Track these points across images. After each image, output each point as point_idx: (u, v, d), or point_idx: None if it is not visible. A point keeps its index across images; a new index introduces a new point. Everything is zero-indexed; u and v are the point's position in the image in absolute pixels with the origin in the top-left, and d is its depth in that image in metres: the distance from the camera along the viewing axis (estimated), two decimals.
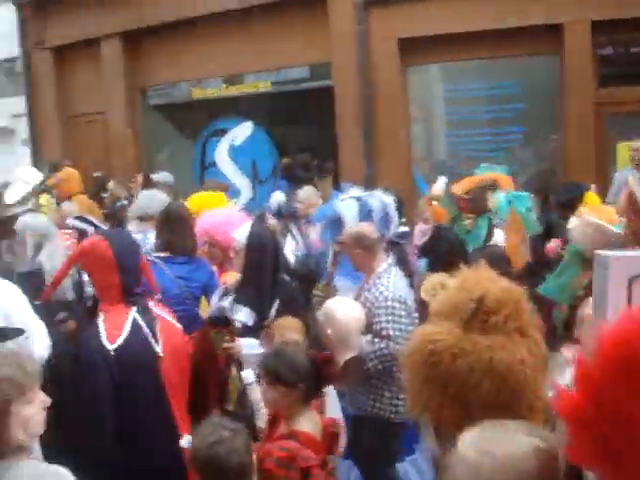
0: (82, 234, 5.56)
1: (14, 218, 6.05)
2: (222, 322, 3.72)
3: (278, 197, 6.27)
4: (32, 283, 4.14)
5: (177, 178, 8.69)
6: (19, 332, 3.03)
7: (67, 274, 3.56)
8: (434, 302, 3.18)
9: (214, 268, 4.73)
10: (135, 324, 3.18)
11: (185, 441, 2.92)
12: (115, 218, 7.45)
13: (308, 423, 2.91)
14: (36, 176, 7.67)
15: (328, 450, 2.94)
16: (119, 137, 10.56)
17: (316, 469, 2.74)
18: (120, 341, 3.11)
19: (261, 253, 3.92)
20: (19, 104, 11.75)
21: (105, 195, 8.80)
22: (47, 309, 3.62)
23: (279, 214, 5.96)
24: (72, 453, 2.49)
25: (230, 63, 9.82)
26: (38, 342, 3.27)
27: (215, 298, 4.15)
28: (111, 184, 8.65)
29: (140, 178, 8.26)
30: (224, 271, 4.71)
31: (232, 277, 4.24)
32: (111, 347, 3.08)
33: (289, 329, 3.55)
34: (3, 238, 4.41)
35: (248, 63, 9.77)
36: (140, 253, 3.44)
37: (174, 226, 4.49)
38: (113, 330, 3.13)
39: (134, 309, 3.22)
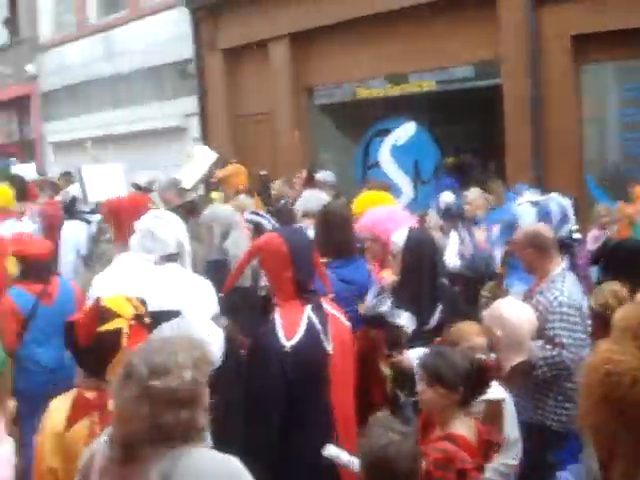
0: (257, 227, 5.79)
1: (194, 202, 6.39)
2: (378, 322, 3.70)
3: (447, 197, 6.18)
4: (218, 272, 4.34)
5: (339, 177, 8.77)
6: (175, 314, 3.11)
7: (245, 268, 3.65)
8: (617, 316, 3.02)
9: (374, 265, 4.72)
10: (310, 322, 3.19)
11: (329, 451, 2.91)
12: (280, 216, 7.63)
13: (463, 427, 2.83)
14: (211, 156, 8.01)
15: (484, 457, 2.84)
16: (285, 136, 10.82)
17: (474, 472, 2.67)
18: (296, 339, 3.12)
19: (419, 257, 3.86)
20: (191, 104, 12.31)
21: (270, 193, 9.03)
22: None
23: (447, 214, 5.89)
24: (234, 447, 2.52)
25: (394, 63, 9.82)
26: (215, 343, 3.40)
27: (370, 296, 4.13)
28: (277, 183, 8.85)
29: (304, 175, 8.40)
30: (384, 268, 4.69)
31: (389, 275, 4.19)
32: (288, 344, 3.11)
33: (472, 334, 3.44)
34: (187, 221, 4.62)
35: (412, 62, 9.72)
36: (313, 250, 3.44)
37: (331, 227, 4.51)
38: (289, 327, 3.15)
39: (309, 306, 3.22)
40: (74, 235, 7.77)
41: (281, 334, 3.12)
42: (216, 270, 4.48)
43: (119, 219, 5.09)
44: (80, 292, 5.28)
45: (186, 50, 12.30)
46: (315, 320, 3.20)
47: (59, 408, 2.66)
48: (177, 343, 2.14)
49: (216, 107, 11.92)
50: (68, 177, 11.84)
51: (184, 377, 2.01)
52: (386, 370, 3.96)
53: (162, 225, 3.88)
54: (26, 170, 13.44)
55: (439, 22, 9.07)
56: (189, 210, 5.81)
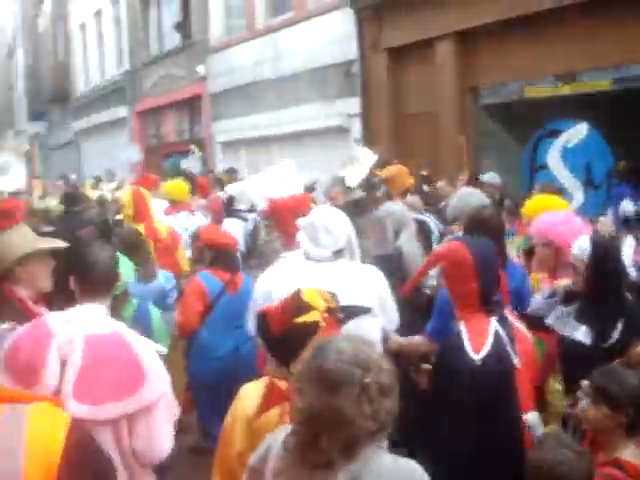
0: (422, 226, 5.75)
1: (360, 200, 6.44)
2: (541, 325, 3.55)
3: (628, 207, 5.84)
4: (387, 265, 4.33)
5: (504, 179, 8.52)
6: (366, 310, 3.09)
7: (425, 274, 3.59)
8: None
9: (545, 274, 4.50)
10: (497, 334, 3.12)
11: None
12: (440, 216, 7.54)
13: (633, 454, 2.64)
14: (372, 158, 8.08)
15: None
16: (448, 136, 10.65)
17: None
18: (485, 352, 3.06)
19: (605, 268, 3.59)
20: (354, 104, 12.39)
21: (431, 193, 8.91)
22: None
23: (625, 224, 5.57)
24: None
25: (565, 61, 9.39)
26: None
27: (539, 298, 3.95)
28: (440, 183, 8.73)
29: (465, 177, 8.24)
30: (555, 278, 4.45)
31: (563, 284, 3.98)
32: (476, 357, 3.05)
33: None
34: (357, 219, 4.66)
35: (584, 60, 9.26)
36: (497, 259, 3.34)
37: (480, 230, 4.34)
38: (476, 340, 3.09)
39: (494, 318, 3.15)
40: (231, 232, 8.09)
41: (469, 347, 3.07)
42: (385, 263, 4.47)
43: (283, 218, 5.20)
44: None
45: (350, 50, 12.41)
46: (502, 333, 3.13)
47: (251, 394, 2.73)
48: (355, 339, 2.13)
49: (379, 107, 11.94)
50: (232, 174, 12.30)
51: (386, 370, 2.02)
52: (556, 385, 3.80)
53: (334, 220, 3.91)
54: (191, 164, 14.06)
55: (613, 18, 8.58)
56: (356, 208, 5.83)
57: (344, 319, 2.83)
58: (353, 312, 2.99)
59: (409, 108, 11.61)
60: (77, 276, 3.03)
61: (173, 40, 19.86)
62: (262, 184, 6.81)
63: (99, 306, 2.98)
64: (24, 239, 3.54)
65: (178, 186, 9.02)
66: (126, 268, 4.37)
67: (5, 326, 3.20)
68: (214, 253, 5.41)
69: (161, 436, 2.83)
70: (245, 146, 16.08)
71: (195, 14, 18.08)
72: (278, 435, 2.21)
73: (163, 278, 5.84)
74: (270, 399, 2.64)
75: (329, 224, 3.85)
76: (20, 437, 1.78)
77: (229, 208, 8.47)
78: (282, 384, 2.66)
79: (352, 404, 1.93)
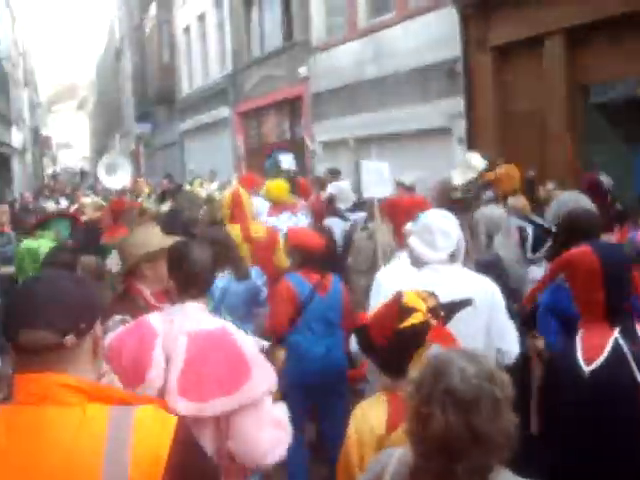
0: (522, 232, 5.57)
1: (466, 201, 6.32)
2: None
3: None
4: (488, 272, 4.22)
5: (615, 181, 8.17)
6: (467, 302, 3.00)
7: (550, 282, 3.46)
8: None
9: None
10: (616, 347, 2.93)
11: None
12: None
13: None
14: (480, 162, 7.95)
15: None
16: (556, 136, 10.33)
17: None
18: (597, 364, 2.91)
19: None
20: (457, 104, 12.17)
21: (537, 195, 8.67)
22: None
23: None
24: None
25: None
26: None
27: None
28: (548, 185, 8.48)
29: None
30: None
31: None
32: (586, 369, 2.91)
33: None
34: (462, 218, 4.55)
35: None
36: (630, 268, 3.16)
37: (572, 235, 4.14)
38: (590, 351, 2.94)
39: (617, 329, 2.97)
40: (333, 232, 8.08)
41: (580, 358, 2.92)
42: (485, 269, 4.35)
43: (397, 219, 5.13)
44: (346, 290, 5.43)
45: (453, 49, 12.19)
46: (624, 346, 2.93)
47: (374, 412, 2.63)
48: (466, 353, 2.04)
49: (484, 107, 11.68)
50: (334, 175, 12.29)
51: (507, 381, 1.96)
52: None
53: (449, 222, 3.85)
54: (286, 160, 14.15)
55: None
56: (460, 209, 5.72)
57: (447, 317, 2.74)
58: (455, 307, 2.90)
59: (515, 107, 11.30)
60: (178, 275, 3.06)
61: (274, 41, 20.08)
62: (371, 176, 6.72)
63: (200, 304, 3.01)
64: (151, 237, 3.65)
65: (278, 186, 9.08)
66: None
67: (118, 318, 3.29)
68: (303, 255, 5.38)
69: (261, 438, 2.78)
70: (345, 147, 16.08)
71: (296, 15, 18.22)
72: (392, 453, 2.13)
73: (254, 274, 5.84)
74: (397, 415, 2.52)
75: (445, 226, 3.78)
76: (126, 441, 1.78)
77: (330, 207, 8.47)
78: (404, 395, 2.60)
79: (488, 421, 1.86)
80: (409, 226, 4.12)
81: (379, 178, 6.63)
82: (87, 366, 1.91)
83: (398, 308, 2.67)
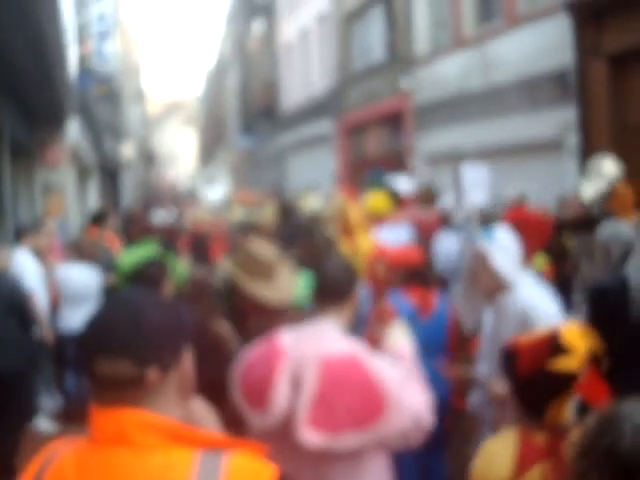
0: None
1: (593, 218, 5.90)
2: None
3: None
4: (606, 300, 3.86)
5: None
6: None
7: None
8: None
9: None
10: None
11: None
12: None
13: None
14: (612, 169, 7.41)
15: None
16: None
17: None
18: None
19: None
20: (569, 115, 11.60)
21: None
22: None
23: None
24: None
25: None
26: None
27: None
28: None
29: None
30: None
31: None
32: None
33: None
34: (586, 237, 4.20)
35: None
36: None
37: None
38: None
39: None
40: (447, 248, 7.71)
41: None
42: (601, 296, 3.97)
43: (524, 234, 4.80)
44: (455, 308, 5.10)
45: (565, 58, 11.64)
46: None
47: (501, 452, 2.36)
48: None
49: (598, 118, 11.07)
50: (431, 192, 11.97)
51: None
52: None
53: (508, 236, 3.57)
54: (399, 181, 13.93)
55: None
56: (586, 224, 5.31)
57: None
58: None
59: (633, 119, 10.67)
60: (312, 286, 2.83)
61: (377, 54, 19.92)
62: (471, 181, 6.41)
63: (334, 322, 2.75)
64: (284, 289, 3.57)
65: (379, 200, 8.87)
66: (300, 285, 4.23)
67: None
68: (403, 272, 5.07)
69: None
70: (449, 160, 15.71)
71: (400, 28, 18.00)
72: None
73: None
74: (527, 457, 2.26)
75: (508, 241, 3.58)
76: None
77: (446, 223, 8.19)
78: (538, 438, 2.29)
79: None
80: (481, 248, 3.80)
81: (478, 183, 6.30)
82: (172, 404, 1.68)
83: (552, 343, 2.37)
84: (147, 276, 3.89)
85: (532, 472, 2.22)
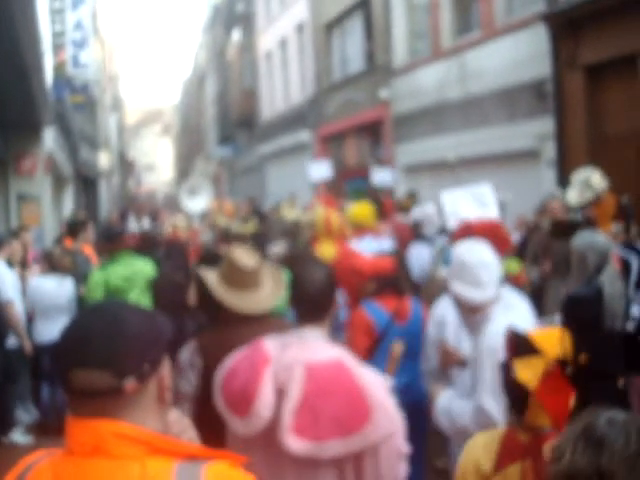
0: (625, 264, 5.12)
1: (573, 222, 5.92)
2: None
3: None
4: (581, 311, 3.87)
5: None
6: None
7: None
8: None
9: None
10: None
11: None
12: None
13: None
14: (601, 182, 7.55)
15: None
16: None
17: None
18: None
19: None
20: (546, 125, 11.69)
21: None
22: None
23: None
24: None
25: None
26: None
27: None
28: None
29: None
30: None
31: None
32: None
33: None
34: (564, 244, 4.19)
35: None
36: None
37: None
38: None
39: None
40: (418, 257, 7.80)
41: None
42: (577, 307, 3.97)
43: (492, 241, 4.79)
44: (426, 313, 5.10)
45: (543, 69, 11.75)
46: None
47: (485, 447, 2.42)
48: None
49: (575, 128, 11.16)
50: (413, 197, 12.03)
51: None
52: None
53: (488, 254, 3.55)
54: (382, 177, 13.87)
55: None
56: (568, 230, 5.33)
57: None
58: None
59: (609, 129, 10.77)
60: (293, 297, 2.80)
61: (356, 64, 19.99)
62: (456, 204, 6.42)
63: (318, 330, 2.72)
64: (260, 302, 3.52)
65: (362, 210, 8.87)
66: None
67: None
68: (376, 281, 5.09)
69: (391, 476, 2.53)
70: (427, 169, 15.76)
71: (378, 38, 18.08)
72: None
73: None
74: (508, 454, 2.32)
75: (486, 259, 3.49)
76: None
77: (416, 232, 8.24)
78: (521, 437, 2.34)
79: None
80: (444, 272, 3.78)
81: (480, 200, 6.31)
82: (150, 414, 1.63)
83: (515, 342, 2.42)
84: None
85: (512, 469, 2.28)
